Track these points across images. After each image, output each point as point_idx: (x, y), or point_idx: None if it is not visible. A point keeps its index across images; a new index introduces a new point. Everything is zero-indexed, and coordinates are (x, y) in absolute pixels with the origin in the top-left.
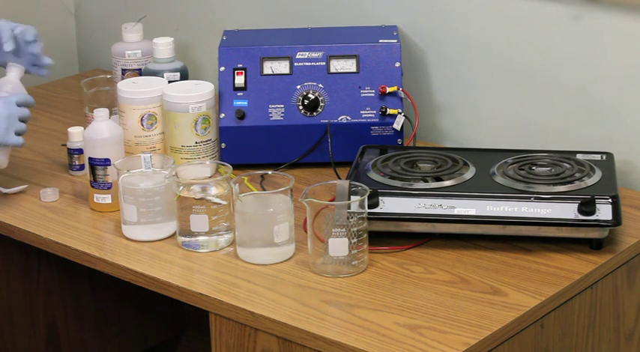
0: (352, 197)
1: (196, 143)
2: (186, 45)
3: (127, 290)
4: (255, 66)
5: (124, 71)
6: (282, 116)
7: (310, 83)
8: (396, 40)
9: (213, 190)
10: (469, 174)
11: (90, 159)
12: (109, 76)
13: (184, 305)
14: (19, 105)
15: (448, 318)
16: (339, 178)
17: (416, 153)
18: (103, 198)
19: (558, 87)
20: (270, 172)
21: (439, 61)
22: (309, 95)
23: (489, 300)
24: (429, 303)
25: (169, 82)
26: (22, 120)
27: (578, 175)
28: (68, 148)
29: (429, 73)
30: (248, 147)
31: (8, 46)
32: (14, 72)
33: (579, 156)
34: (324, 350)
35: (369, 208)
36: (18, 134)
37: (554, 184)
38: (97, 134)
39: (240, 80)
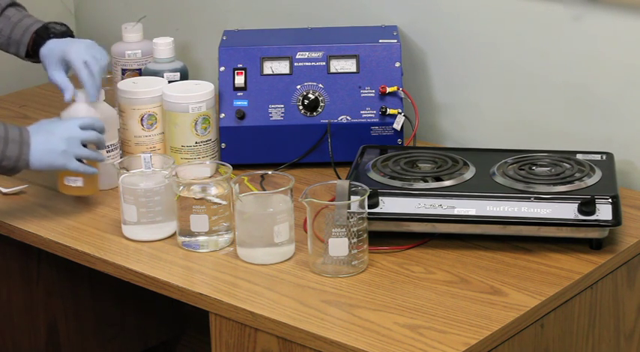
0: (352, 197)
1: (196, 143)
2: (186, 45)
3: (127, 290)
4: (255, 66)
5: (124, 71)
6: (282, 116)
7: (310, 83)
8: (396, 40)
9: (213, 190)
10: (469, 174)
11: None
12: (109, 76)
13: (184, 305)
14: (83, 128)
15: (448, 318)
16: (339, 178)
17: (416, 153)
18: (74, 181)
19: (558, 87)
20: (270, 172)
21: (439, 61)
22: (309, 95)
23: (489, 300)
24: (429, 303)
25: (169, 82)
26: (85, 145)
27: (578, 175)
28: None
29: (429, 73)
30: (248, 147)
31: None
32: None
33: (579, 156)
34: (324, 350)
35: (369, 208)
36: (79, 159)
37: (554, 184)
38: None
39: (240, 80)
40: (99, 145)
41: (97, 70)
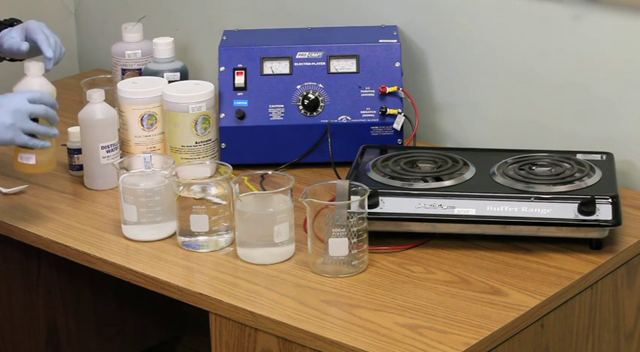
0: (352, 197)
1: (196, 143)
2: (186, 45)
3: (127, 290)
4: (255, 66)
5: (124, 71)
6: (282, 116)
7: (310, 83)
8: (396, 40)
9: (213, 190)
10: (469, 174)
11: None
12: (109, 76)
13: (184, 305)
14: (31, 102)
15: (448, 318)
16: (339, 178)
17: (416, 153)
18: (27, 158)
19: (558, 87)
20: (270, 172)
21: (439, 61)
22: (309, 95)
23: (489, 300)
24: (429, 303)
25: (169, 81)
26: (34, 119)
27: (578, 175)
28: (68, 148)
29: (429, 73)
30: (248, 147)
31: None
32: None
33: (579, 156)
34: (324, 350)
35: (369, 208)
36: (29, 134)
37: (554, 184)
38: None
39: (240, 80)
40: (50, 120)
41: (53, 40)
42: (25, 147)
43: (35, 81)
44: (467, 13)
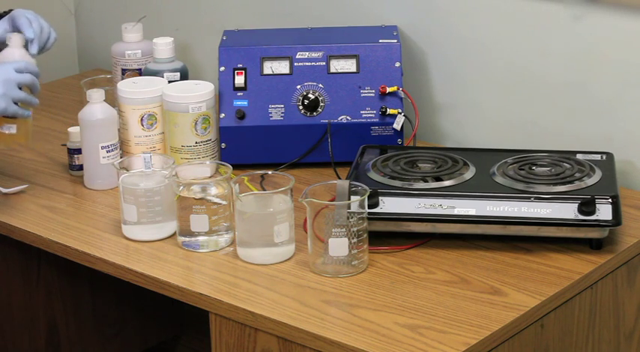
0: (352, 197)
1: (196, 143)
2: (186, 45)
3: (127, 290)
4: (255, 66)
5: (124, 71)
6: (282, 116)
7: (310, 83)
8: (396, 40)
9: (213, 190)
10: (469, 174)
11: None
12: (109, 76)
13: (184, 305)
14: (18, 72)
15: (448, 318)
16: (339, 178)
17: (416, 153)
18: (9, 128)
19: (558, 87)
20: (270, 172)
21: (439, 61)
22: (309, 95)
23: (489, 300)
24: (429, 303)
25: (169, 81)
26: (22, 88)
27: (578, 175)
28: (68, 148)
29: (429, 73)
30: (248, 147)
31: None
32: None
33: (579, 156)
34: (324, 350)
35: (369, 208)
36: (17, 103)
37: (554, 184)
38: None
39: (240, 80)
40: (33, 88)
41: (37, 24)
42: (12, 117)
43: (17, 51)
44: (467, 13)
